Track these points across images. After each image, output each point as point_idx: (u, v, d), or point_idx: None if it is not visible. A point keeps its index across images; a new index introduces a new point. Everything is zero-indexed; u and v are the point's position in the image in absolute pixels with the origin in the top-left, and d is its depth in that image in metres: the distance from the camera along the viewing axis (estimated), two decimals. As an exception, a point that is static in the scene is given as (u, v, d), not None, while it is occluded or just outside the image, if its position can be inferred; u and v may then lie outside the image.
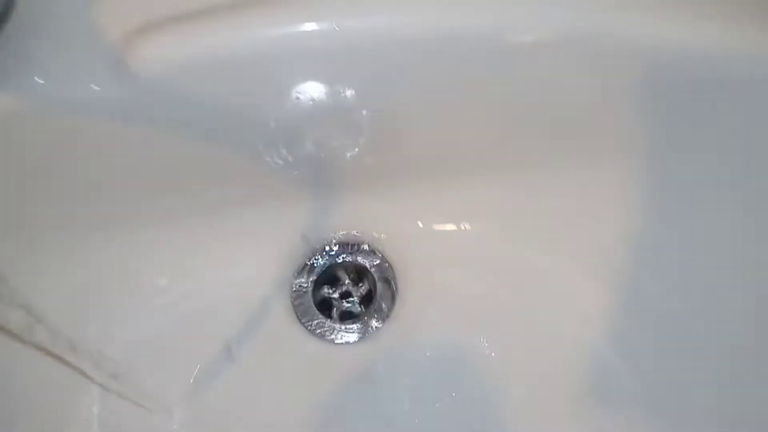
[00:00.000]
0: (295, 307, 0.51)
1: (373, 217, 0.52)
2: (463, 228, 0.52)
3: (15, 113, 0.38)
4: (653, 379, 0.46)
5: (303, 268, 0.52)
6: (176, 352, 0.48)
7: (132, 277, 0.49)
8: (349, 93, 0.44)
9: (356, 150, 0.48)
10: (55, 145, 0.41)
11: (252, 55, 0.40)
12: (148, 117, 0.40)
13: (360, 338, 0.50)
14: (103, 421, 0.46)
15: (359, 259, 0.52)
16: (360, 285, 0.53)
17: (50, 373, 0.44)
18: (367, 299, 0.52)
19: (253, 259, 0.51)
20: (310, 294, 0.51)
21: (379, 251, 0.52)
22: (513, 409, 0.48)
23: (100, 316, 0.48)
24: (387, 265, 0.52)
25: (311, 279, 0.52)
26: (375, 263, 0.52)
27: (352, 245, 0.52)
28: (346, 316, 0.52)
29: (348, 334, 0.50)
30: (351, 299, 0.52)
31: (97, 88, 0.37)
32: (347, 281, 0.53)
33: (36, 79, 0.38)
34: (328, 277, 0.53)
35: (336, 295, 0.52)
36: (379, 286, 0.52)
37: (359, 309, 0.52)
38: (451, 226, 0.52)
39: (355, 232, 0.52)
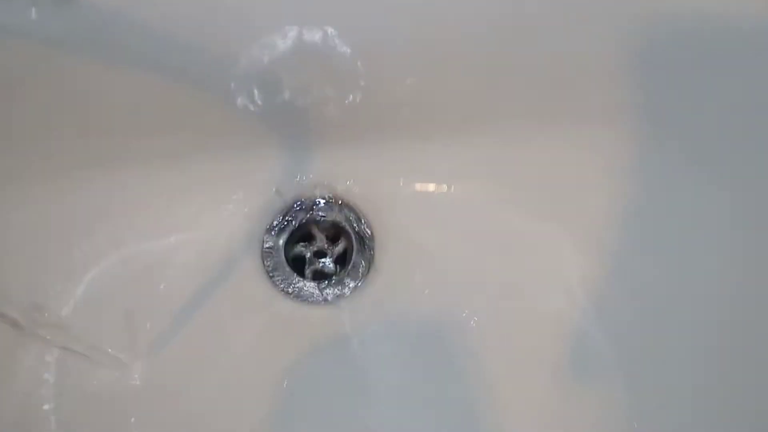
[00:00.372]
0: (265, 263, 0.48)
1: (352, 173, 0.49)
2: (446, 189, 0.49)
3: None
4: (634, 352, 0.44)
5: (275, 224, 0.49)
6: (137, 305, 0.46)
7: (88, 226, 0.46)
8: (331, 35, 0.42)
9: (337, 100, 0.45)
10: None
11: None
12: (98, 48, 0.38)
13: (333, 299, 0.48)
14: (59, 378, 0.44)
15: (336, 216, 0.49)
16: (335, 244, 0.50)
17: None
18: (343, 259, 0.50)
19: (222, 210, 0.48)
20: (282, 251, 0.49)
21: (357, 209, 0.49)
22: (490, 377, 0.46)
23: (55, 268, 0.45)
24: (364, 224, 0.49)
25: (284, 235, 0.49)
26: (352, 221, 0.49)
27: (328, 201, 0.49)
28: (320, 276, 0.49)
29: (320, 294, 0.48)
30: (325, 258, 0.50)
31: (36, 14, 0.35)
32: (322, 239, 0.50)
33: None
34: (302, 234, 0.50)
35: (309, 254, 0.50)
36: (356, 245, 0.49)
37: (333, 269, 0.50)
38: (433, 186, 0.49)
39: (332, 188, 0.49)
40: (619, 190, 0.46)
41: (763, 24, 0.38)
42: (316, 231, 0.50)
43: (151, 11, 0.37)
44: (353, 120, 0.47)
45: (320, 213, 0.49)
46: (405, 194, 0.49)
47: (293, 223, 0.49)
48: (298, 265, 0.49)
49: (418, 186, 0.49)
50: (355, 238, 0.49)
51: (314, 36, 0.42)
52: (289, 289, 0.48)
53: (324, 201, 0.49)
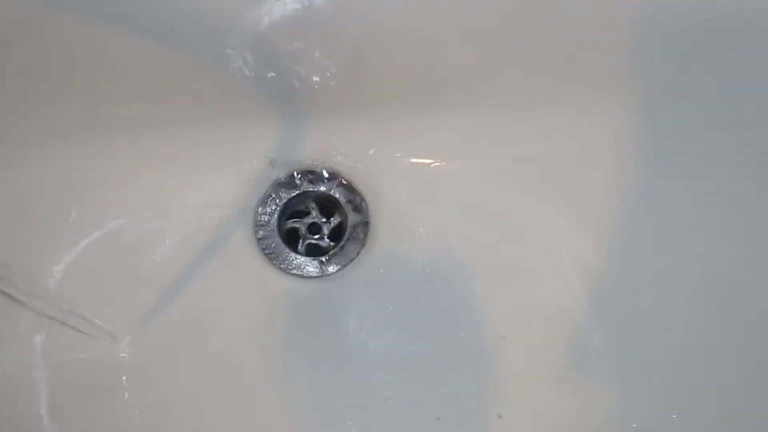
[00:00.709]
0: (257, 236, 0.47)
1: (348, 146, 0.48)
2: (443, 164, 0.48)
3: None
4: (632, 341, 0.43)
5: (268, 197, 0.48)
6: (126, 277, 0.45)
7: (78, 195, 0.45)
8: (328, 2, 0.40)
9: (334, 69, 0.44)
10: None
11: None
12: (88, 9, 0.36)
13: (326, 274, 0.47)
14: (46, 349, 0.43)
15: (330, 190, 0.48)
16: (330, 218, 0.49)
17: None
18: (337, 234, 0.49)
19: (213, 181, 0.47)
20: (275, 224, 0.48)
21: (352, 183, 0.48)
22: (484, 355, 0.45)
23: (42, 237, 0.44)
24: (360, 198, 0.48)
25: (277, 209, 0.48)
26: (347, 196, 0.48)
27: (323, 175, 0.48)
28: (314, 250, 0.49)
29: (313, 269, 0.47)
30: (320, 233, 0.49)
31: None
32: (317, 213, 0.49)
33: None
34: (296, 208, 0.49)
35: (303, 228, 0.49)
36: (350, 220, 0.48)
37: (328, 243, 0.49)
38: (431, 161, 0.48)
39: (327, 160, 0.48)
40: (620, 169, 0.45)
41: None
42: (310, 205, 0.49)
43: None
44: (350, 91, 0.45)
45: (315, 186, 0.48)
46: (401, 168, 0.48)
47: (287, 196, 0.48)
48: (291, 239, 0.49)
49: (415, 160, 0.48)
50: (350, 212, 0.48)
51: (311, 2, 0.40)
52: (282, 264, 0.47)
53: (319, 174, 0.48)
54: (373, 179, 0.48)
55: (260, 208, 0.48)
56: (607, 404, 0.42)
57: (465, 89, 0.46)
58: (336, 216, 0.49)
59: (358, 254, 0.47)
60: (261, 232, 0.47)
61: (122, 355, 0.44)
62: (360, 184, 0.48)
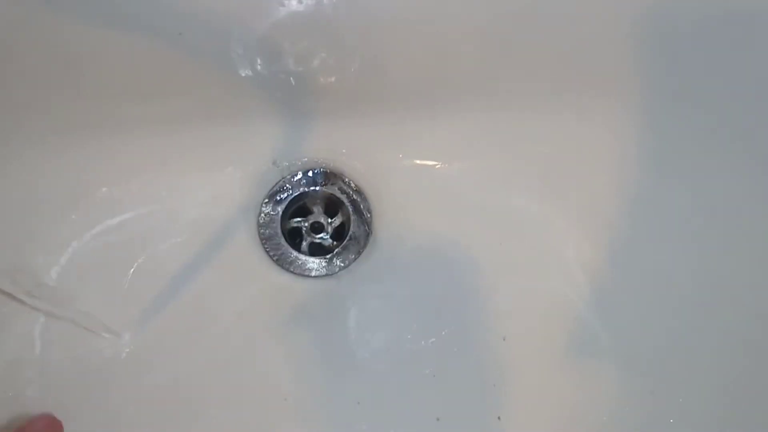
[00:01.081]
0: (260, 235, 0.47)
1: (351, 146, 0.48)
2: (446, 165, 0.48)
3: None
4: (633, 342, 0.44)
5: (272, 196, 0.48)
6: (129, 273, 0.45)
7: (83, 191, 0.45)
8: (333, 2, 0.40)
9: (338, 69, 0.44)
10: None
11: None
12: (93, 8, 0.36)
13: (327, 274, 0.47)
14: (46, 346, 0.44)
15: (334, 190, 0.48)
16: (333, 217, 0.49)
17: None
18: (339, 233, 0.49)
19: (217, 179, 0.47)
20: (278, 223, 0.48)
21: (355, 183, 0.48)
22: (486, 354, 0.45)
23: (45, 233, 0.44)
24: (363, 198, 0.48)
25: (280, 207, 0.48)
26: (350, 196, 0.48)
27: (327, 174, 0.48)
28: (316, 249, 0.49)
29: (315, 268, 0.47)
30: (322, 232, 0.49)
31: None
32: (320, 212, 0.49)
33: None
34: (300, 206, 0.49)
35: (306, 227, 0.49)
36: (353, 219, 0.48)
37: (330, 243, 0.49)
38: (434, 162, 0.48)
39: (331, 160, 0.48)
40: (621, 169, 0.45)
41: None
42: (313, 204, 0.50)
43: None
44: (354, 91, 0.45)
45: (318, 186, 0.48)
46: (405, 169, 0.48)
47: (290, 195, 0.48)
48: (294, 237, 0.49)
49: (418, 161, 0.48)
50: (353, 211, 0.48)
51: (317, 2, 0.41)
52: (285, 262, 0.47)
53: (322, 173, 0.48)
54: (376, 179, 0.48)
55: (264, 207, 0.48)
56: (608, 406, 0.43)
57: (469, 91, 0.46)
58: (339, 215, 0.49)
59: (360, 254, 0.48)
60: (264, 230, 0.48)
61: (123, 350, 0.45)
62: (363, 184, 0.48)
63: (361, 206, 0.48)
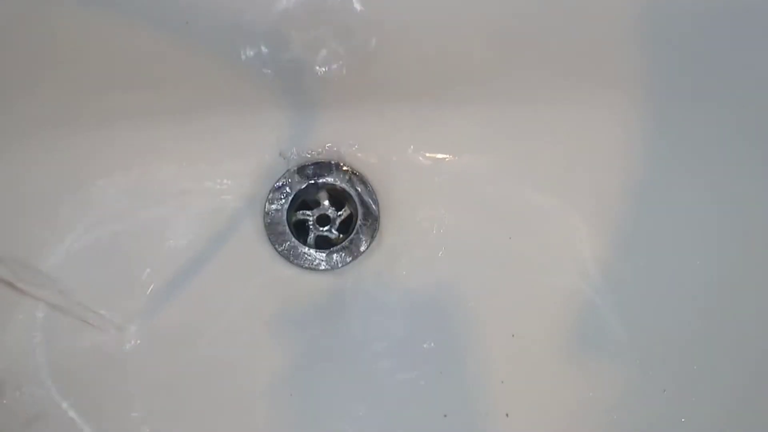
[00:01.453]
0: (266, 227, 0.47)
1: (360, 138, 0.48)
2: (455, 158, 0.48)
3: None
4: (644, 332, 0.43)
5: (278, 187, 0.47)
6: (132, 265, 0.45)
7: (85, 182, 0.45)
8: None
9: (348, 60, 0.43)
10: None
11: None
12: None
13: (333, 267, 0.47)
14: (49, 339, 0.43)
15: (341, 182, 0.48)
16: (339, 210, 0.49)
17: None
18: (346, 226, 0.48)
19: (225, 170, 0.47)
20: (284, 215, 0.47)
21: (363, 175, 0.48)
22: (494, 351, 0.45)
23: (48, 225, 0.44)
24: (370, 191, 0.48)
25: (287, 200, 0.47)
26: (358, 188, 0.48)
27: (334, 166, 0.48)
28: (322, 242, 0.48)
29: (321, 262, 0.47)
30: (329, 225, 0.48)
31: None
32: (326, 205, 0.49)
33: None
34: (306, 199, 0.49)
35: (312, 220, 0.48)
36: (360, 213, 0.47)
37: (337, 236, 0.48)
38: (443, 155, 0.48)
39: (338, 152, 0.48)
40: (634, 165, 0.44)
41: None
42: (320, 196, 0.49)
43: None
44: (362, 83, 0.45)
45: (325, 178, 0.48)
46: (413, 162, 0.47)
47: (297, 187, 0.48)
48: (300, 230, 0.48)
49: (427, 154, 0.48)
50: (360, 205, 0.48)
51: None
52: (290, 255, 0.47)
53: (329, 165, 0.48)
54: (384, 172, 0.47)
55: (270, 199, 0.47)
56: (618, 403, 0.42)
57: (478, 84, 0.45)
58: (346, 208, 0.49)
59: (366, 247, 0.47)
60: (270, 222, 0.47)
61: (128, 342, 0.44)
62: (371, 177, 0.48)
63: (369, 199, 0.47)
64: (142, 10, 0.39)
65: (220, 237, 0.46)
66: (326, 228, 0.48)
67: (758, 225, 0.42)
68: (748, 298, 0.41)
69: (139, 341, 0.44)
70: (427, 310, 0.46)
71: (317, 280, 0.47)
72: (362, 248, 0.47)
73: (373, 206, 0.47)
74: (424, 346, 0.45)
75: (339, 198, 0.49)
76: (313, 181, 0.48)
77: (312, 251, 0.47)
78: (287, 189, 0.47)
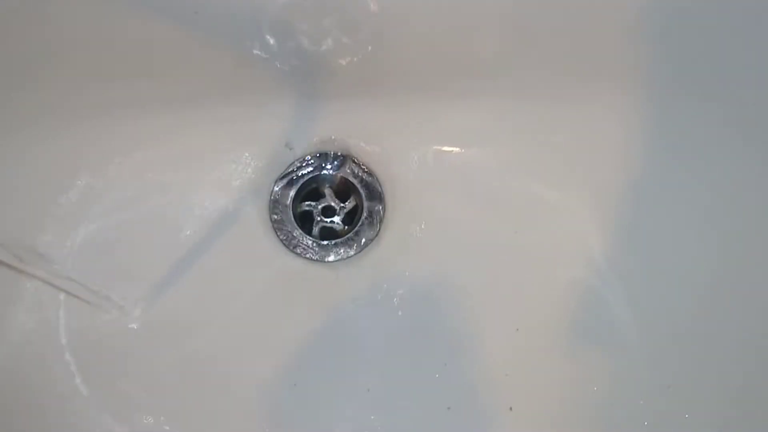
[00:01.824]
0: (272, 217, 0.47)
1: (366, 129, 0.47)
2: (462, 150, 0.47)
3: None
4: (649, 327, 0.43)
5: (284, 178, 0.47)
6: (137, 251, 0.45)
7: (91, 170, 0.44)
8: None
9: (355, 51, 0.43)
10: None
11: None
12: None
13: (338, 259, 0.47)
14: (58, 320, 0.43)
15: (346, 173, 0.48)
16: (345, 201, 0.48)
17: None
18: (351, 218, 0.48)
19: (230, 161, 0.47)
20: (290, 206, 0.47)
21: (368, 167, 0.48)
22: (497, 348, 0.45)
23: (58, 214, 0.44)
24: (376, 182, 0.47)
25: (292, 190, 0.47)
26: (363, 179, 0.48)
27: (340, 157, 0.48)
28: (327, 233, 0.48)
29: (326, 253, 0.47)
30: (334, 216, 0.48)
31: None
32: (331, 196, 0.49)
33: None
34: (312, 190, 0.49)
35: (317, 210, 0.48)
36: (365, 205, 0.47)
37: (342, 227, 0.48)
38: (449, 148, 0.48)
39: (344, 143, 0.48)
40: (639, 159, 0.44)
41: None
42: (325, 188, 0.49)
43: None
44: (370, 74, 0.45)
45: (331, 169, 0.48)
46: (419, 154, 0.47)
47: (302, 178, 0.47)
48: (305, 221, 0.48)
49: (434, 146, 0.47)
50: (365, 197, 0.47)
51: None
52: (294, 245, 0.47)
53: (335, 156, 0.48)
54: (390, 164, 0.47)
55: (275, 189, 0.47)
56: (623, 398, 0.42)
57: (486, 77, 0.45)
58: (351, 199, 0.48)
59: (371, 239, 0.47)
60: (275, 212, 0.47)
61: (132, 326, 0.44)
62: (377, 169, 0.47)
63: (374, 190, 0.47)
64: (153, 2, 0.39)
65: (225, 226, 0.46)
66: (331, 219, 0.48)
67: (762, 218, 0.41)
68: (755, 296, 0.41)
69: (142, 325, 0.44)
70: (432, 303, 0.46)
71: (321, 271, 0.47)
72: (367, 240, 0.47)
73: (379, 198, 0.47)
74: (429, 338, 0.45)
75: (344, 189, 0.48)
76: (318, 172, 0.48)
77: (316, 241, 0.47)
78: (293, 180, 0.47)
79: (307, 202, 0.48)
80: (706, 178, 0.43)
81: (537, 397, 0.43)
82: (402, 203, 0.47)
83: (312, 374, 0.45)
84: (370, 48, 0.43)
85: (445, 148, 0.47)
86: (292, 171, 0.47)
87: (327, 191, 0.49)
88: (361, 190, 0.47)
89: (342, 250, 0.47)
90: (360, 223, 0.47)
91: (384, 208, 0.47)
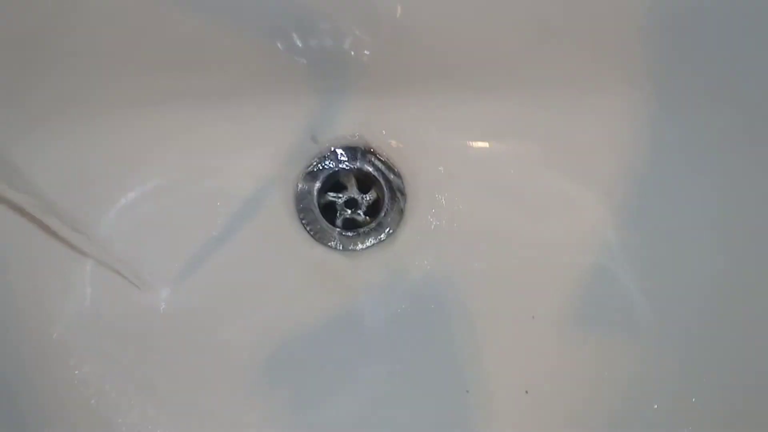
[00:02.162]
0: (297, 208, 0.49)
1: (389, 122, 0.49)
2: (483, 144, 0.49)
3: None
4: (662, 315, 0.44)
5: (308, 170, 0.49)
6: (168, 235, 0.47)
7: (129, 159, 0.46)
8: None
9: (379, 45, 0.44)
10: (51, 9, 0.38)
11: None
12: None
13: (361, 248, 0.48)
14: (95, 294, 0.46)
15: (369, 167, 0.49)
16: (367, 194, 0.50)
17: (48, 248, 0.44)
18: (373, 210, 0.50)
19: (258, 152, 0.48)
20: (314, 197, 0.49)
21: (391, 160, 0.49)
22: (513, 336, 0.47)
23: (98, 196, 0.46)
24: (398, 175, 0.49)
25: (317, 182, 0.49)
26: (385, 173, 0.49)
27: (363, 151, 0.49)
28: (350, 225, 0.50)
29: (349, 243, 0.49)
30: (356, 208, 0.50)
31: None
32: (354, 188, 0.50)
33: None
34: (335, 182, 0.50)
35: (341, 202, 0.50)
36: (387, 197, 0.49)
37: (364, 219, 0.50)
38: (471, 141, 0.49)
39: (368, 137, 0.49)
40: (656, 156, 0.46)
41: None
42: (348, 180, 0.51)
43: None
44: (393, 68, 0.46)
45: (354, 162, 0.49)
46: (441, 147, 0.49)
47: (327, 170, 0.49)
48: (329, 212, 0.50)
49: (455, 139, 0.49)
50: (387, 189, 0.49)
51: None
52: (319, 235, 0.48)
53: (359, 149, 0.49)
54: (412, 157, 0.49)
55: (300, 181, 0.49)
56: (633, 382, 0.44)
57: (507, 70, 0.46)
58: (373, 191, 0.50)
59: (393, 230, 0.49)
60: (300, 203, 0.49)
61: (161, 304, 0.46)
62: (399, 161, 0.49)
63: (396, 183, 0.49)
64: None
65: (251, 216, 0.48)
66: (354, 211, 0.50)
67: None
68: (765, 285, 0.42)
69: (168, 306, 0.46)
70: (452, 291, 0.48)
71: (344, 260, 0.49)
72: (389, 231, 0.49)
73: (401, 190, 0.49)
74: (448, 326, 0.47)
75: (367, 182, 0.50)
76: (342, 165, 0.49)
77: (339, 232, 0.49)
78: (317, 172, 0.49)
79: (331, 194, 0.50)
80: (719, 174, 0.45)
81: (552, 380, 0.45)
82: (423, 196, 0.49)
83: (332, 359, 0.47)
84: (393, 44, 0.44)
85: (467, 141, 0.49)
86: (317, 163, 0.49)
87: (350, 184, 0.51)
88: (384, 183, 0.49)
89: (364, 241, 0.49)
90: (382, 214, 0.49)
91: (406, 201, 0.49)
